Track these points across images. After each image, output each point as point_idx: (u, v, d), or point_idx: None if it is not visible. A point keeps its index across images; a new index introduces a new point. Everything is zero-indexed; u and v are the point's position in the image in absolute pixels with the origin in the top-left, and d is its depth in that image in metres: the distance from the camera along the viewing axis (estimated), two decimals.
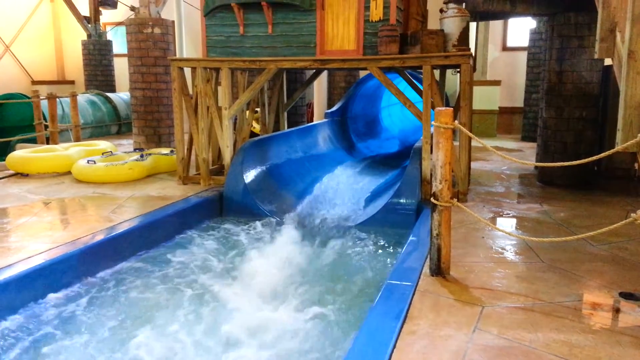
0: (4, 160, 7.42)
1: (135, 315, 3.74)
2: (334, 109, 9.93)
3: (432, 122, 3.59)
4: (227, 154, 6.60)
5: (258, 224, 5.69)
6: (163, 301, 3.96)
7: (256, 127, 8.59)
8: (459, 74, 5.81)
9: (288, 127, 8.51)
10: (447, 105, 7.12)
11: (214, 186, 6.59)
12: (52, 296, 3.82)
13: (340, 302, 3.83)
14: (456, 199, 3.52)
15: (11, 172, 7.29)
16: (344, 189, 6.73)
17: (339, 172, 7.69)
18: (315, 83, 10.39)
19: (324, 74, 11.79)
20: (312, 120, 11.12)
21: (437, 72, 6.44)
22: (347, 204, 6.18)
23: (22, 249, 4.19)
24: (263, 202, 6.05)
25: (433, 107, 5.24)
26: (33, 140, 9.08)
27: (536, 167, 7.28)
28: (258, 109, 8.17)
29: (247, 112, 7.65)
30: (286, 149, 7.42)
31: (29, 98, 9.61)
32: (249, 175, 6.37)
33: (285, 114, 8.43)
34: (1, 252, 4.13)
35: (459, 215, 4.75)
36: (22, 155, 7.34)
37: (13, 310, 3.54)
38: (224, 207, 6.12)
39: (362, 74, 11.00)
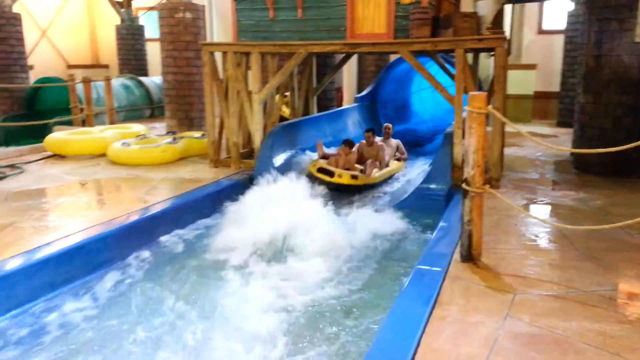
0: (42, 142, 7.65)
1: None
2: (363, 93, 9.86)
3: (465, 107, 3.53)
4: (256, 138, 6.65)
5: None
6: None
7: (285, 111, 8.60)
8: (492, 58, 5.68)
9: (317, 112, 8.50)
10: (480, 89, 6.98)
11: (244, 169, 6.66)
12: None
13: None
14: (488, 185, 3.46)
15: (49, 153, 7.51)
16: None
17: None
18: (345, 67, 10.31)
19: (354, 58, 11.69)
20: (341, 105, 11.08)
21: (470, 56, 6.31)
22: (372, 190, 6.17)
23: (60, 228, 4.34)
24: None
25: (465, 92, 5.15)
26: (69, 123, 9.32)
27: (572, 154, 7.09)
28: (287, 94, 8.18)
29: (277, 96, 7.67)
30: (315, 133, 7.42)
31: (64, 82, 9.85)
32: (278, 159, 6.40)
33: (315, 98, 8.41)
34: (40, 230, 4.29)
35: (491, 201, 4.68)
36: (60, 137, 7.55)
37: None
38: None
39: (393, 57, 10.85)
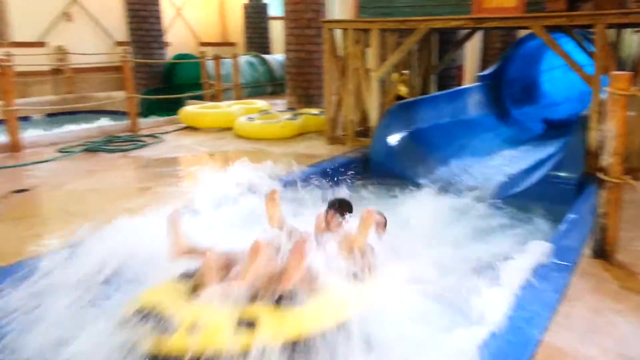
0: (177, 114, 8.36)
1: None
2: (487, 71, 9.35)
3: (605, 88, 3.21)
4: (373, 116, 6.65)
5: (400, 186, 5.65)
6: None
7: (403, 89, 8.47)
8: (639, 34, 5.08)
9: (437, 91, 8.26)
10: (622, 69, 6.29)
11: (359, 147, 6.72)
12: None
13: None
14: (628, 176, 3.15)
15: (183, 125, 8.19)
16: (494, 158, 6.40)
17: (489, 140, 7.31)
18: (467, 44, 9.85)
19: (478, 34, 11.09)
20: (462, 84, 10.63)
21: (611, 32, 5.69)
22: (496, 174, 5.87)
23: (190, 193, 4.73)
24: (407, 165, 6.02)
25: (605, 72, 4.68)
26: (200, 98, 10.06)
27: None
28: (405, 71, 8.03)
29: (395, 74, 7.57)
30: (433, 113, 7.23)
31: (197, 58, 10.60)
32: (394, 138, 6.35)
33: (435, 76, 8.17)
34: (173, 195, 4.72)
35: (630, 194, 4.24)
36: (192, 110, 8.21)
37: None
38: (368, 168, 6.21)
39: (521, 33, 10.13)
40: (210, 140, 7.27)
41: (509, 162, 6.30)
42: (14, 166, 5.84)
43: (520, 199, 5.03)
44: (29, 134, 7.28)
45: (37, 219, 4.18)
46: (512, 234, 4.47)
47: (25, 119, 7.35)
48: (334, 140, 7.05)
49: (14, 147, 6.50)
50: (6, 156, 6.30)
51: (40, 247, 3.24)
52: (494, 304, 2.62)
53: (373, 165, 6.14)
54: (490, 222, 4.70)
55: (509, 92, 9.41)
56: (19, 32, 12.10)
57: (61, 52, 12.56)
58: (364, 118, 7.22)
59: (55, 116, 9.84)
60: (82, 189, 4.97)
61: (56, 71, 12.43)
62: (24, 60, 10.23)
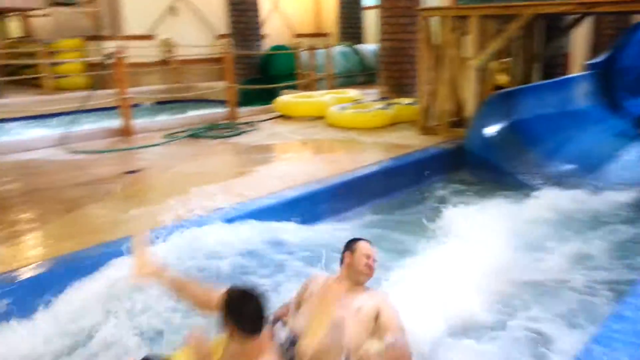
0: (272, 103, 8.64)
1: None
2: (597, 60, 8.65)
3: None
4: (469, 106, 6.44)
5: (502, 182, 5.40)
6: None
7: (502, 78, 8.09)
8: None
9: (541, 80, 7.79)
10: None
11: (453, 138, 6.54)
12: None
13: None
14: None
15: (277, 113, 8.46)
16: (606, 154, 5.92)
17: (598, 134, 6.77)
18: (576, 31, 9.17)
19: (587, 20, 10.27)
20: (568, 73, 9.94)
21: None
22: (610, 172, 5.41)
23: (284, 177, 4.90)
24: (506, 158, 5.76)
25: None
26: (294, 87, 10.31)
27: None
28: (506, 60, 7.66)
29: (494, 62, 7.25)
30: (535, 103, 6.83)
31: (292, 49, 10.88)
32: (492, 130, 6.11)
33: (539, 65, 7.71)
34: (270, 178, 4.90)
35: None
36: (287, 100, 8.46)
37: None
38: (463, 161, 6.03)
39: (636, 19, 9.26)
40: (303, 128, 7.44)
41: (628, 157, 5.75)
42: (127, 149, 6.38)
43: None
44: (140, 121, 7.89)
45: (147, 197, 4.55)
46: None
47: (135, 106, 7.97)
48: (426, 130, 6.92)
49: (127, 131, 7.10)
50: (119, 140, 6.90)
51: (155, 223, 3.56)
52: None
53: (469, 157, 5.96)
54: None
55: (622, 81, 8.65)
56: (131, 26, 13.10)
57: (168, 44, 13.42)
58: (459, 108, 7.00)
59: (162, 104, 10.57)
60: (187, 171, 5.32)
61: (163, 62, 13.31)
62: (135, 52, 11.06)
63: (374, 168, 5.28)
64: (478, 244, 3.46)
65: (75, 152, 6.21)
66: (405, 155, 5.79)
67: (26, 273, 3.05)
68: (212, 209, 4.00)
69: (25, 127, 8.73)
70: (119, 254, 3.11)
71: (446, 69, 6.61)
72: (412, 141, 6.49)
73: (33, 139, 6.98)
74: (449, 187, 5.35)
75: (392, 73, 9.01)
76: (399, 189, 5.29)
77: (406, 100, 8.03)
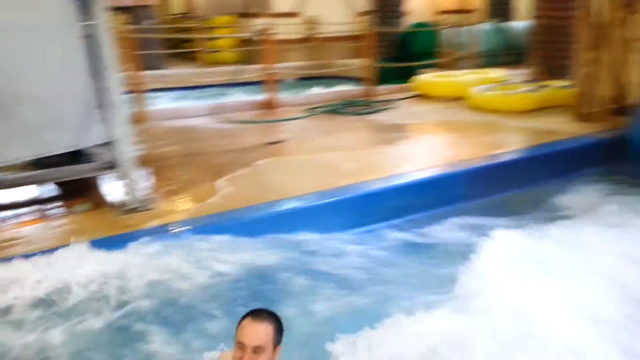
0: (410, 82, 8.49)
1: None
2: None
3: None
4: (634, 93, 5.72)
5: None
6: None
7: None
8: None
9: None
10: None
11: (613, 127, 5.86)
12: None
13: None
14: None
15: (415, 93, 8.30)
16: None
17: None
18: None
19: None
20: None
21: None
22: None
23: (413, 159, 4.87)
24: None
25: None
26: (434, 66, 10.00)
27: None
28: None
29: None
30: None
31: (433, 27, 10.53)
32: None
33: None
34: (402, 159, 4.86)
35: None
36: (425, 79, 8.25)
37: None
38: (624, 153, 5.38)
39: None
40: (441, 109, 7.22)
41: None
42: (271, 121, 6.76)
43: None
44: (282, 95, 8.28)
45: (289, 169, 4.80)
46: None
47: (278, 81, 8.35)
48: (582, 117, 6.29)
49: (271, 105, 7.50)
50: (264, 112, 7.32)
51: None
52: None
53: (633, 150, 5.31)
54: None
55: None
56: (279, 3, 13.65)
57: (312, 22, 13.78)
58: (621, 94, 6.25)
59: (303, 80, 10.94)
60: (324, 145, 5.49)
61: (305, 39, 13.73)
62: (281, 29, 11.54)
63: (516, 155, 4.96)
64: None
65: (226, 121, 6.74)
66: (556, 142, 5.34)
67: None
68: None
69: (183, 96, 9.64)
70: None
71: (609, 50, 5.92)
72: (563, 127, 5.95)
73: (189, 108, 7.71)
74: (604, 181, 4.82)
75: (545, 53, 8.30)
76: (546, 179, 4.91)
77: (559, 83, 7.36)
